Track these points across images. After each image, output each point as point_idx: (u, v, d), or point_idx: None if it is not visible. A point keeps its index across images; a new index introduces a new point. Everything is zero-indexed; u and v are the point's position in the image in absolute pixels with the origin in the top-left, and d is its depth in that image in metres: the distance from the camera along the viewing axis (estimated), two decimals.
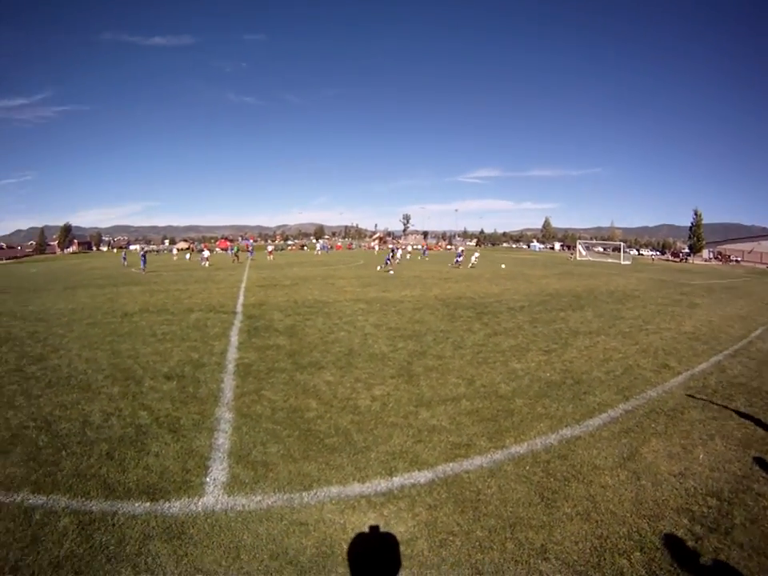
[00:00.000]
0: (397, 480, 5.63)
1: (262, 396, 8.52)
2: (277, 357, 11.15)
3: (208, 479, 5.72)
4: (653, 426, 7.62)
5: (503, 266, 46.25)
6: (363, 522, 4.86)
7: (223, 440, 6.76)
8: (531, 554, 4.39)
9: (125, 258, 62.35)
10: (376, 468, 5.91)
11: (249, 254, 69.60)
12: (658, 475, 6.02)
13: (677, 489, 5.74)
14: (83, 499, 5.33)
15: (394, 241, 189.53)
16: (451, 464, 6.01)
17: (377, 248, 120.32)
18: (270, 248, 75.53)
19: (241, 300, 21.28)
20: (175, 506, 5.17)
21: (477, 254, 47.86)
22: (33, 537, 4.68)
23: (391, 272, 38.09)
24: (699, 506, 5.43)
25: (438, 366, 10.25)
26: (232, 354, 11.43)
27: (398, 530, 4.72)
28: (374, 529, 4.78)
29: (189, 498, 5.34)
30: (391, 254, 44.80)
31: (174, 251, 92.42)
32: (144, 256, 47.54)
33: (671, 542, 4.73)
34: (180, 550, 4.47)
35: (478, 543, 4.52)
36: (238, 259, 60.78)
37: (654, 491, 5.63)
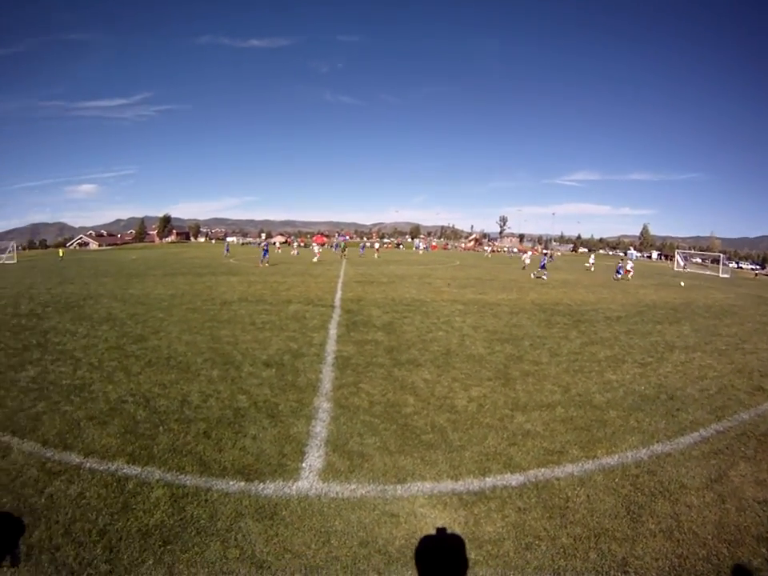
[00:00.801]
0: (489, 480, 5.66)
1: (360, 389, 8.70)
2: (375, 352, 11.34)
3: (304, 465, 5.90)
4: (743, 449, 7.37)
5: (683, 283, 43.63)
6: (453, 519, 4.92)
7: (321, 428, 6.95)
8: (612, 566, 4.38)
9: (227, 250, 63.97)
10: (470, 467, 5.96)
11: (360, 250, 70.66)
12: (742, 500, 5.85)
13: (759, 516, 5.56)
14: (178, 473, 5.62)
15: (490, 243, 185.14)
16: (543, 469, 6.00)
17: (489, 250, 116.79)
18: (377, 245, 75.83)
19: (339, 295, 21.64)
20: (269, 488, 5.36)
21: (631, 264, 45.57)
22: (124, 504, 4.97)
23: (544, 277, 36.85)
24: None
25: (535, 372, 10.19)
26: (331, 347, 11.69)
27: (487, 529, 4.76)
28: (462, 527, 4.83)
29: (284, 481, 5.53)
30: (548, 258, 43.12)
31: (277, 244, 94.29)
32: (266, 249, 47.09)
33: (747, 570, 4.63)
34: (271, 530, 4.64)
35: (562, 550, 4.53)
36: (344, 255, 60.49)
37: (737, 516, 5.48)
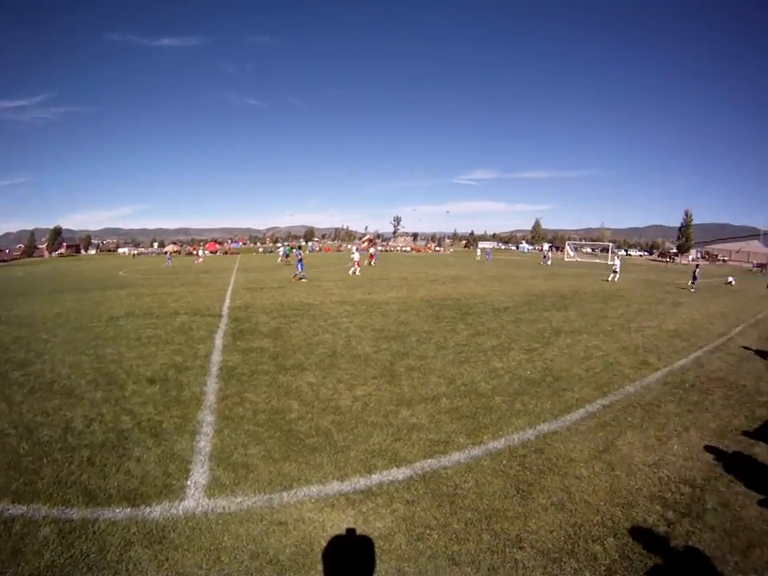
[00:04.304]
0: (375, 477, 5.67)
1: (244, 398, 8.53)
2: (261, 359, 11.13)
3: (189, 483, 5.75)
4: (629, 419, 7.81)
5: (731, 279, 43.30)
6: (342, 520, 4.91)
7: (205, 443, 6.79)
8: (507, 544, 4.50)
9: (170, 260, 62.47)
10: (355, 466, 5.95)
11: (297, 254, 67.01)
12: (632, 466, 6.20)
13: (650, 478, 5.93)
14: (63, 507, 5.35)
15: (384, 243, 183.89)
16: (429, 460, 6.06)
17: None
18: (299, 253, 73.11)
19: (227, 303, 21.14)
20: (156, 511, 5.21)
21: (617, 262, 39.58)
22: (13, 549, 4.68)
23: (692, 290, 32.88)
24: (672, 493, 5.65)
25: (420, 366, 10.24)
26: (216, 357, 11.41)
27: (376, 525, 4.78)
28: (352, 527, 4.84)
29: (170, 502, 5.37)
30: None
31: (200, 253, 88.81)
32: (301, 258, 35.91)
33: (644, 528, 4.92)
34: (161, 555, 4.51)
35: (454, 535, 4.61)
36: (288, 261, 57.30)
37: (627, 481, 5.81)
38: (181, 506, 5.28)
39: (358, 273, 37.45)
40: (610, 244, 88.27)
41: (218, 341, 13.26)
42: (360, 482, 5.60)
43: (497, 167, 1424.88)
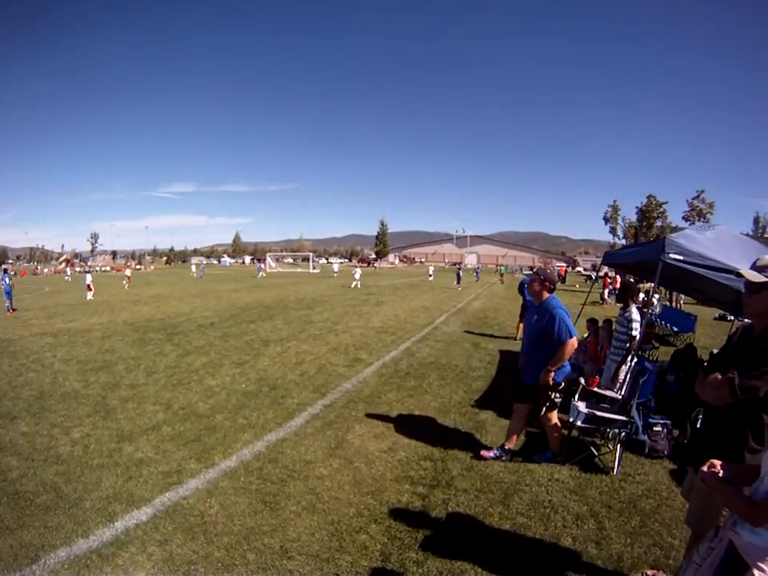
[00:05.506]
0: (119, 525, 5.20)
1: None
2: None
3: None
4: (353, 414, 8.19)
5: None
6: None
7: None
8: (275, 558, 4.42)
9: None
10: (95, 518, 5.38)
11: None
12: (368, 455, 6.50)
13: (390, 462, 6.27)
14: None
15: (83, 263, 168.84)
16: (168, 494, 5.75)
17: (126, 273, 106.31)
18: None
19: None
20: None
21: (358, 271, 45.06)
22: None
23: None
24: (416, 470, 6.02)
25: (133, 396, 9.67)
26: None
27: (139, 575, 4.41)
28: None
29: None
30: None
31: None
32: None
33: (401, 508, 5.17)
34: None
35: (220, 564, 4.41)
36: None
37: (369, 470, 6.07)
38: None
39: (91, 298, 34.39)
40: (310, 254, 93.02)
41: None
42: (106, 533, 5.08)
43: (196, 180, 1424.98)
